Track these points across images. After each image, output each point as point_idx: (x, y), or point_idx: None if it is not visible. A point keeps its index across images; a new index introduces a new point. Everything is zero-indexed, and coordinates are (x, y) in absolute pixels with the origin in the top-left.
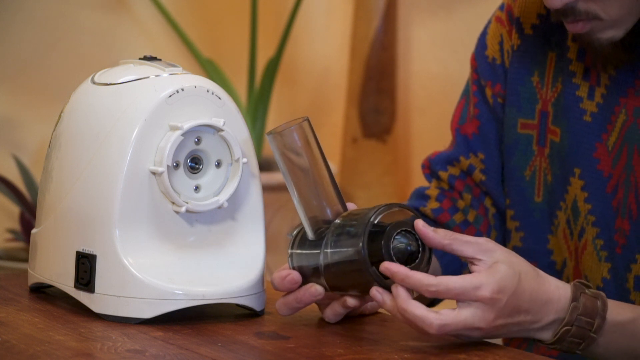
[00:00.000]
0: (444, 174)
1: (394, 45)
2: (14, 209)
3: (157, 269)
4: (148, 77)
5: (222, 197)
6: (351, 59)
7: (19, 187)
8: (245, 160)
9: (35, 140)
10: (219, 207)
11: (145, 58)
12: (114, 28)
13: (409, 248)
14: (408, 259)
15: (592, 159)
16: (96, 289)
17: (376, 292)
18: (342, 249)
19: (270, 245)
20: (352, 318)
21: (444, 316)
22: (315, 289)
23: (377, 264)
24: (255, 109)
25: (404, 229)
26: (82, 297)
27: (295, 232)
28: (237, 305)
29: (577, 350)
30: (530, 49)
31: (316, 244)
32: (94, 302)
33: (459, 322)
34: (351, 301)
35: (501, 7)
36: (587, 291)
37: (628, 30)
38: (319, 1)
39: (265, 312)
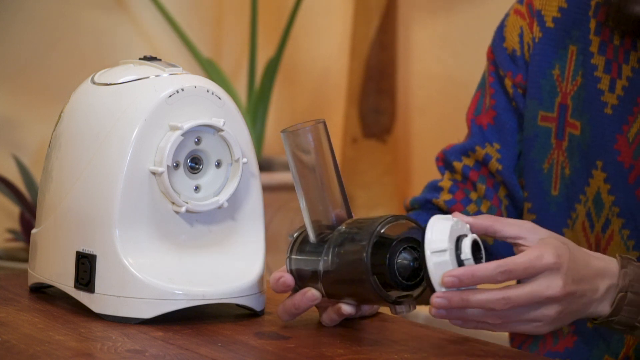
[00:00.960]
0: (458, 165)
1: (394, 45)
2: (14, 209)
3: (157, 269)
4: (148, 77)
5: (222, 197)
6: (351, 59)
7: (19, 187)
8: (245, 160)
9: (35, 140)
10: (219, 207)
11: (145, 58)
12: (113, 28)
13: (411, 264)
14: (409, 276)
15: (613, 151)
16: (96, 289)
17: (437, 298)
18: (345, 257)
19: (270, 245)
20: (352, 319)
21: (508, 290)
22: (312, 293)
23: (378, 275)
24: (255, 109)
25: (409, 245)
26: (82, 297)
27: (296, 235)
28: (237, 305)
29: (637, 322)
30: (552, 41)
31: (317, 249)
32: (94, 302)
33: (524, 295)
34: (346, 308)
35: (520, 1)
36: (633, 262)
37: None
38: (319, 1)
39: (265, 312)
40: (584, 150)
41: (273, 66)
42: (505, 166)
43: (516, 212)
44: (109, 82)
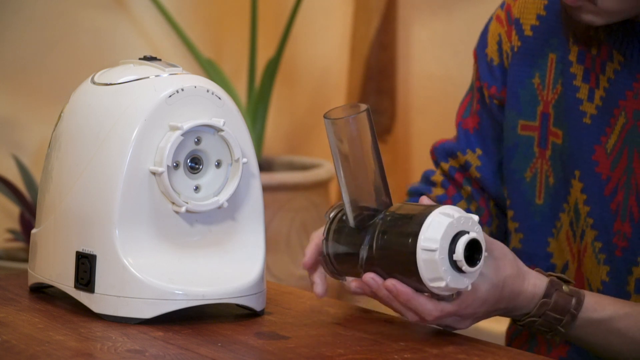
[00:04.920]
0: (445, 165)
1: (394, 45)
2: (14, 209)
3: (157, 269)
4: (148, 77)
5: (222, 197)
6: (351, 59)
7: (19, 187)
8: (245, 160)
9: (35, 140)
10: (219, 207)
11: (145, 58)
12: (113, 28)
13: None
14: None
15: (591, 161)
16: (96, 289)
17: (371, 279)
18: (393, 246)
19: (270, 245)
20: (351, 320)
21: (444, 307)
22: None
23: None
24: (255, 109)
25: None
26: (82, 297)
27: (332, 215)
28: (237, 305)
29: (547, 336)
30: (530, 50)
31: (357, 234)
32: (94, 302)
33: (434, 315)
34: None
35: (502, 5)
36: (563, 288)
37: (608, 23)
38: (319, 1)
39: (265, 312)
40: (564, 159)
41: (273, 66)
42: (483, 175)
43: (505, 216)
44: (109, 82)
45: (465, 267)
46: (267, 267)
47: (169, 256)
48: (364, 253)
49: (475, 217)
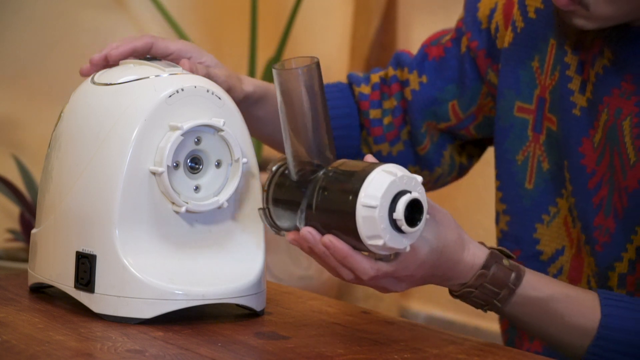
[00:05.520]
0: (391, 71)
1: (394, 45)
2: (14, 209)
3: (157, 269)
4: (148, 77)
5: (222, 197)
6: (351, 59)
7: (19, 187)
8: (245, 160)
9: (35, 140)
10: (219, 207)
11: (145, 58)
12: (113, 28)
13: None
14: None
15: (578, 153)
16: (96, 289)
17: (308, 233)
18: (332, 201)
19: (270, 245)
20: (351, 320)
21: (381, 267)
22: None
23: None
24: None
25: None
26: (82, 297)
27: (275, 168)
28: (237, 305)
29: (483, 310)
30: (534, 32)
31: (299, 187)
32: (94, 302)
33: (368, 272)
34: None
35: None
36: (504, 261)
37: (599, 28)
38: (319, 1)
39: (265, 312)
40: (558, 146)
41: None
42: (414, 99)
43: (412, 151)
44: (109, 82)
45: (404, 226)
46: (267, 267)
47: (169, 256)
48: (303, 208)
49: (419, 178)
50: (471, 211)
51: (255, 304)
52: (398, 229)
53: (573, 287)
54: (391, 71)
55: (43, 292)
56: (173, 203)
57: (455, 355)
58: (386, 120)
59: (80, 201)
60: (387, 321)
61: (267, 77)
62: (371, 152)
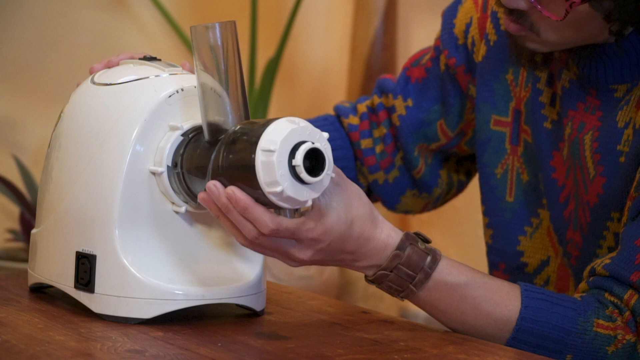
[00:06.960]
0: (377, 99)
1: (394, 45)
2: (14, 209)
3: (157, 269)
4: (148, 77)
5: None
6: (351, 59)
7: (19, 187)
8: None
9: (35, 140)
10: None
11: (145, 58)
12: (113, 28)
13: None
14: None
15: (549, 167)
16: (96, 289)
17: (213, 186)
18: (234, 156)
19: None
20: (351, 320)
21: (282, 221)
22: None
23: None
24: (255, 109)
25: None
26: (82, 297)
27: (192, 135)
28: (237, 305)
29: (399, 297)
30: (506, 46)
31: (210, 147)
32: (94, 302)
33: (275, 231)
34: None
35: None
36: (419, 245)
37: (552, 51)
38: (319, 1)
39: (265, 312)
40: (534, 159)
41: (273, 66)
42: (403, 124)
43: (409, 175)
44: (108, 82)
45: (304, 174)
46: (267, 267)
47: (169, 256)
48: (211, 165)
49: (325, 134)
50: (471, 211)
51: (255, 304)
52: (298, 178)
53: (493, 277)
54: (376, 99)
55: (43, 292)
56: (173, 203)
57: (455, 355)
58: (378, 149)
59: (80, 201)
60: (387, 321)
61: (267, 77)
62: (367, 182)
